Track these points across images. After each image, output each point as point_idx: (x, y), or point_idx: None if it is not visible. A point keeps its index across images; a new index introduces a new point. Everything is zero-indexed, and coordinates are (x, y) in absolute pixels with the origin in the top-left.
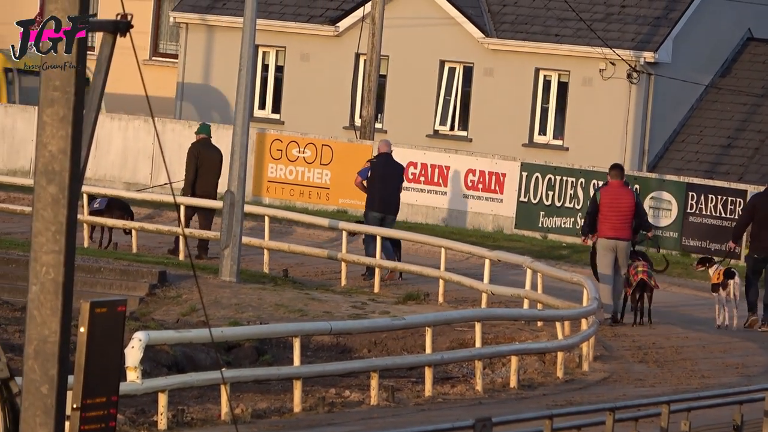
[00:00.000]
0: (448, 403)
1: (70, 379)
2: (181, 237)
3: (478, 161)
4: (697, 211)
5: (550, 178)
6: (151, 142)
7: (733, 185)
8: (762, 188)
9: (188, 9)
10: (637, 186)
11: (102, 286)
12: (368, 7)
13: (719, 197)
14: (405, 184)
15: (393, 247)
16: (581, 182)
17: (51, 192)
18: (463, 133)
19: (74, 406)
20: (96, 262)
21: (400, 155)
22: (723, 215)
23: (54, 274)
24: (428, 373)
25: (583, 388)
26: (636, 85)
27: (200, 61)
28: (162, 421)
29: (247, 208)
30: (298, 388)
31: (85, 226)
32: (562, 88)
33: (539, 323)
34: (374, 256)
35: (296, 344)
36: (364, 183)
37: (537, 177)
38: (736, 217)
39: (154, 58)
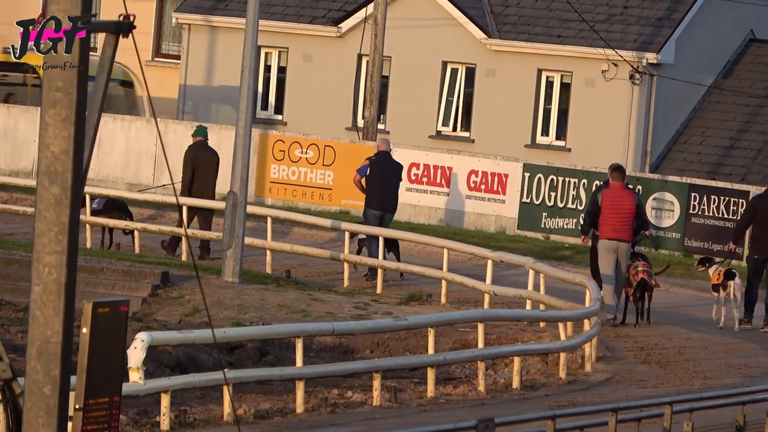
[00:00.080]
0: (451, 403)
1: (73, 379)
2: (183, 239)
3: (480, 162)
4: (700, 212)
5: (552, 179)
6: (153, 142)
7: (736, 186)
8: (763, 189)
9: (191, 10)
10: (639, 187)
11: (104, 286)
12: (371, 8)
13: (722, 198)
14: (407, 185)
15: (392, 247)
16: (583, 183)
17: (53, 193)
18: (466, 134)
19: (77, 406)
20: (98, 263)
21: (402, 156)
22: (725, 216)
23: (56, 274)
24: (431, 374)
25: (586, 388)
26: (638, 86)
27: (203, 61)
28: (164, 422)
29: (250, 209)
30: (300, 388)
31: (87, 226)
32: (565, 89)
33: (542, 324)
34: (377, 256)
35: (299, 345)
36: (363, 181)
37: (539, 178)
38: (739, 218)
39: (156, 58)
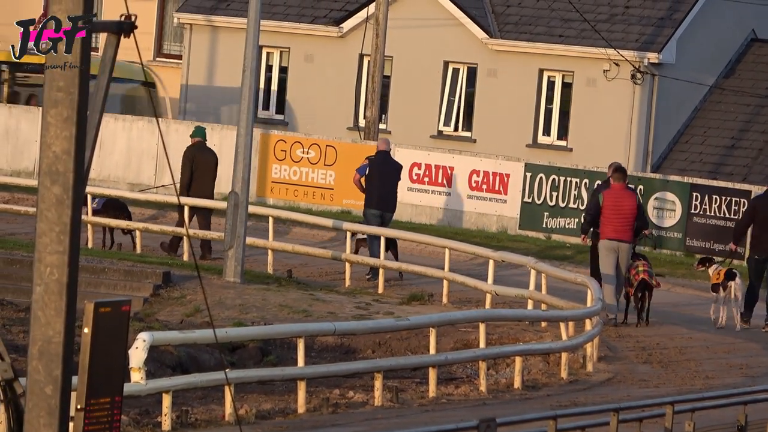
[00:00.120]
0: (452, 403)
1: (74, 379)
2: (185, 238)
3: (482, 162)
4: (701, 212)
5: (554, 179)
6: (155, 142)
7: (737, 186)
8: (763, 189)
9: (192, 10)
10: (640, 187)
11: (106, 286)
12: (372, 8)
13: (723, 198)
14: (409, 184)
15: (390, 246)
16: (585, 183)
17: (55, 193)
18: (467, 134)
19: (78, 406)
20: (100, 263)
21: (403, 156)
22: (727, 216)
23: (58, 274)
24: (432, 374)
25: (587, 388)
26: (640, 85)
27: (204, 61)
28: (166, 422)
29: (251, 209)
30: (302, 388)
31: (89, 226)
32: (566, 88)
33: (543, 324)
34: (378, 256)
35: (300, 345)
36: (362, 181)
37: (541, 177)
38: (739, 218)
39: (158, 58)
